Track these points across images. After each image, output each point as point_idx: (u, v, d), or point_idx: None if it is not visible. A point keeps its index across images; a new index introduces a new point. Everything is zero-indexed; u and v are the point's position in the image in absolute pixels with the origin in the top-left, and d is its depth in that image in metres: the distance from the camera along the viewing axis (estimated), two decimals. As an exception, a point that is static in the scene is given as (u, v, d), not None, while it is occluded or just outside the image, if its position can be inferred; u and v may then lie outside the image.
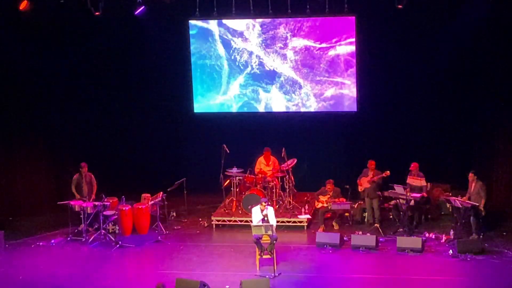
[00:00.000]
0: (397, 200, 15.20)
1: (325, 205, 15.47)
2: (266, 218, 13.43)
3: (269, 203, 15.63)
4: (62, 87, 17.77)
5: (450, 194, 15.69)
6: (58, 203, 15.75)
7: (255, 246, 13.35)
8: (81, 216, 15.22)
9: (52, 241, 15.25)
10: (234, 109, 18.11)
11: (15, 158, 17.28)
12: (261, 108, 17.96)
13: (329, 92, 17.50)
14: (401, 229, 15.07)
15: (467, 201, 14.57)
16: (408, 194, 14.96)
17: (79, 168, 15.77)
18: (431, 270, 13.11)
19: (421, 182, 15.31)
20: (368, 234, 14.75)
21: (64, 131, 17.97)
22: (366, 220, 15.90)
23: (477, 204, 14.40)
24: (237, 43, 17.70)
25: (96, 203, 15.18)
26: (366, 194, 15.61)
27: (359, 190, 15.76)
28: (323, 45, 17.28)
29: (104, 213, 15.13)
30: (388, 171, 15.24)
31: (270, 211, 13.63)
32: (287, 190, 16.49)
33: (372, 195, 15.51)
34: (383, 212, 15.85)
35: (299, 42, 17.38)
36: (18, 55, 16.72)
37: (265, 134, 17.84)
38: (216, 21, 17.54)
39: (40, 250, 14.87)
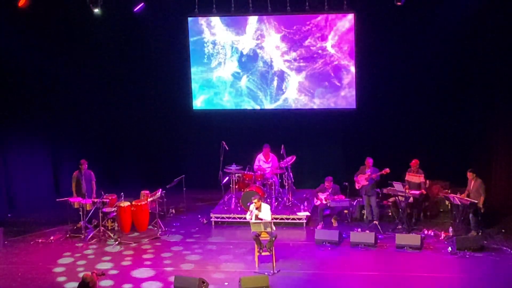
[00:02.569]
0: (396, 197, 15.21)
1: (324, 202, 15.47)
2: (255, 213, 13.44)
3: (268, 200, 15.71)
4: (61, 84, 17.77)
5: (449, 191, 15.69)
6: (57, 200, 15.77)
7: (254, 243, 13.36)
8: (80, 213, 15.24)
9: (51, 238, 15.25)
10: (233, 106, 18.09)
11: (14, 154, 17.27)
12: (260, 105, 17.95)
13: (328, 89, 17.50)
14: (400, 226, 15.08)
15: (466, 198, 14.59)
16: (407, 191, 14.98)
17: (78, 165, 15.76)
18: (429, 267, 13.12)
19: (419, 178, 15.32)
20: (367, 231, 14.76)
21: (63, 128, 17.98)
22: (365, 217, 15.91)
23: (476, 201, 14.42)
24: (236, 41, 17.70)
25: (95, 199, 15.20)
26: (364, 191, 15.61)
27: (356, 187, 15.75)
28: (322, 43, 17.30)
29: (103, 210, 15.15)
30: (388, 169, 15.23)
31: (264, 207, 13.64)
32: (286, 187, 16.48)
33: (370, 192, 15.49)
34: (382, 209, 15.86)
35: (297, 40, 17.38)
36: (17, 52, 16.71)
37: (264, 131, 17.82)
38: (216, 19, 17.55)
39: (39, 247, 14.86)
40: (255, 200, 13.60)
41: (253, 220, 13.43)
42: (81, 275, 11.07)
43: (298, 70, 17.55)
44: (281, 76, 17.65)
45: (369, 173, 15.37)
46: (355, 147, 17.64)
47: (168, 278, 12.82)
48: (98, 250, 14.50)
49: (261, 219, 13.40)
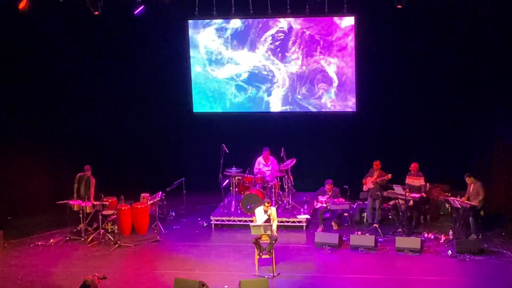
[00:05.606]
0: (396, 200, 15.20)
1: (324, 205, 15.47)
2: (270, 217, 13.44)
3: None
4: (61, 87, 17.78)
5: (449, 194, 15.68)
6: (57, 202, 15.75)
7: (254, 246, 13.35)
8: (80, 215, 15.23)
9: (51, 240, 15.24)
10: (234, 109, 18.09)
11: (14, 157, 17.26)
12: (260, 108, 17.95)
13: (328, 92, 17.50)
14: (400, 229, 15.08)
15: (466, 201, 14.58)
16: (407, 194, 14.97)
17: (83, 170, 15.75)
18: (429, 271, 13.11)
19: (419, 181, 15.33)
20: (367, 234, 14.76)
21: (63, 131, 17.97)
22: (365, 220, 15.91)
23: (476, 204, 14.41)
24: (235, 44, 17.73)
25: (95, 202, 15.19)
26: (370, 194, 15.63)
27: (364, 189, 15.79)
28: (323, 46, 17.32)
29: (103, 212, 15.15)
30: (390, 174, 15.26)
31: (273, 211, 13.64)
32: (286, 190, 16.48)
33: (375, 195, 15.51)
34: (382, 212, 15.84)
35: (297, 43, 17.39)
36: (18, 54, 16.72)
37: (264, 134, 17.83)
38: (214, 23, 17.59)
39: (39, 249, 14.86)
40: (268, 204, 13.53)
41: (258, 223, 13.38)
42: (81, 277, 11.07)
43: (299, 72, 17.54)
44: (281, 79, 17.64)
45: (376, 176, 15.41)
46: (355, 150, 17.66)
47: (168, 281, 12.80)
48: (98, 253, 14.49)
49: (269, 221, 13.38)
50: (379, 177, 15.39)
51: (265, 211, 13.47)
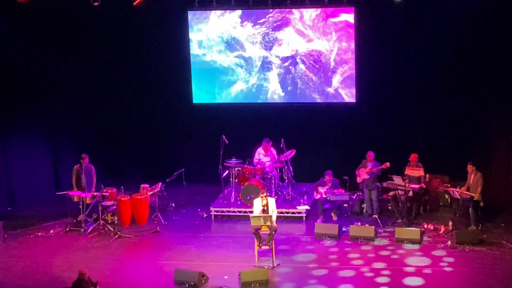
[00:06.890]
0: (396, 191, 15.21)
1: (324, 196, 15.48)
2: (265, 208, 13.44)
3: (268, 193, 15.71)
4: (61, 78, 17.77)
5: (449, 185, 15.69)
6: (57, 193, 15.78)
7: (254, 237, 13.37)
8: (80, 206, 15.25)
9: (51, 231, 15.26)
10: (234, 99, 18.07)
11: (14, 148, 17.27)
12: (260, 99, 17.94)
13: (328, 83, 17.49)
14: (400, 220, 15.09)
15: (465, 192, 14.59)
16: (407, 185, 14.98)
17: (80, 159, 15.75)
18: (429, 261, 13.12)
19: (419, 172, 15.33)
20: (367, 225, 14.77)
21: (63, 122, 17.98)
22: (364, 211, 15.92)
23: (475, 196, 14.41)
24: (235, 35, 17.71)
25: (95, 193, 15.21)
26: (365, 185, 15.62)
27: (358, 181, 15.76)
28: (322, 37, 17.29)
29: (103, 203, 15.16)
30: (388, 163, 15.24)
31: (271, 201, 13.65)
32: (286, 181, 16.49)
33: (371, 186, 15.51)
34: (381, 203, 15.86)
35: (298, 34, 17.37)
36: (16, 47, 16.70)
37: (264, 125, 17.81)
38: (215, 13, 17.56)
39: (39, 240, 14.88)
40: (263, 195, 13.55)
41: (261, 213, 13.39)
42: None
43: (298, 63, 17.52)
44: (281, 70, 17.62)
45: (371, 166, 15.38)
46: (355, 141, 17.63)
47: (168, 271, 12.83)
48: (98, 244, 14.51)
49: (268, 212, 13.39)
50: (375, 167, 15.37)
51: (262, 201, 13.50)
